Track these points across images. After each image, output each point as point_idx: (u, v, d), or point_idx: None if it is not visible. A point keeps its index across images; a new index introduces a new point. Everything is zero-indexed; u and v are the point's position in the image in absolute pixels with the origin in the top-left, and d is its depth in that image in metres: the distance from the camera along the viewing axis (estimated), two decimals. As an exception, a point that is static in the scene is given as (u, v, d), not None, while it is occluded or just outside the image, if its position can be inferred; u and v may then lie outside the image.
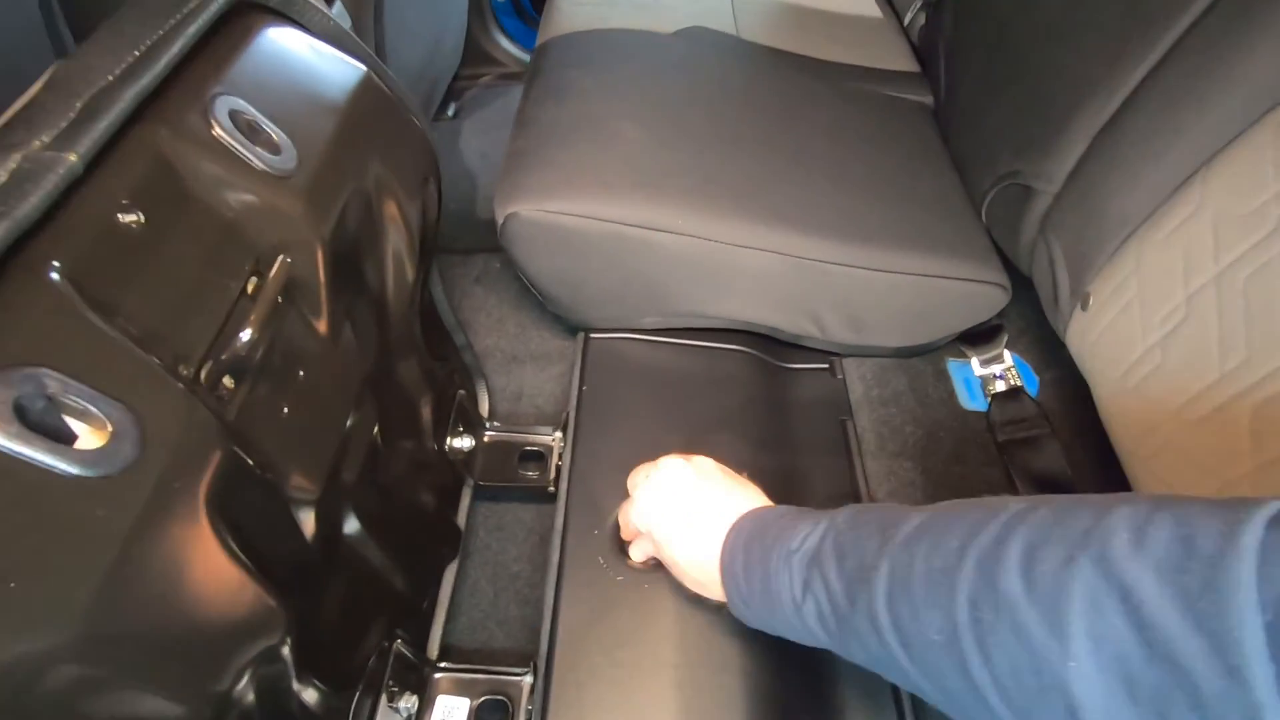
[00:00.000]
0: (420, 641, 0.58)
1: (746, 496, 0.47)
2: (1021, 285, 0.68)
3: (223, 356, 0.29)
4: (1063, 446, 0.66)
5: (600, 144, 0.68)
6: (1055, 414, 0.69)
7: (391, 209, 0.44)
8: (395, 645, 0.53)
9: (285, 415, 0.35)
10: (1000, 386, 0.73)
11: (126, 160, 0.25)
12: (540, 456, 0.73)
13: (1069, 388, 0.71)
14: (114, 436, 0.24)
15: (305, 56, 0.37)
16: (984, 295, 0.67)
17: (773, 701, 0.51)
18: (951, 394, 0.75)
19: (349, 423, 0.42)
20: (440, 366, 0.65)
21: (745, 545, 0.43)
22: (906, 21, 0.94)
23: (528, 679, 0.59)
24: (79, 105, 0.24)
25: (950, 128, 0.79)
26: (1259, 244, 0.42)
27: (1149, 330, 0.48)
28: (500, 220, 0.64)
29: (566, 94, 0.74)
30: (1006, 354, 0.76)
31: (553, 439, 0.73)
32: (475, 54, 1.37)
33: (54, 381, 0.22)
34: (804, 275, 0.66)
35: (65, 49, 0.45)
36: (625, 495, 0.55)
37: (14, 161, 0.22)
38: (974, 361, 0.77)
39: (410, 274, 0.48)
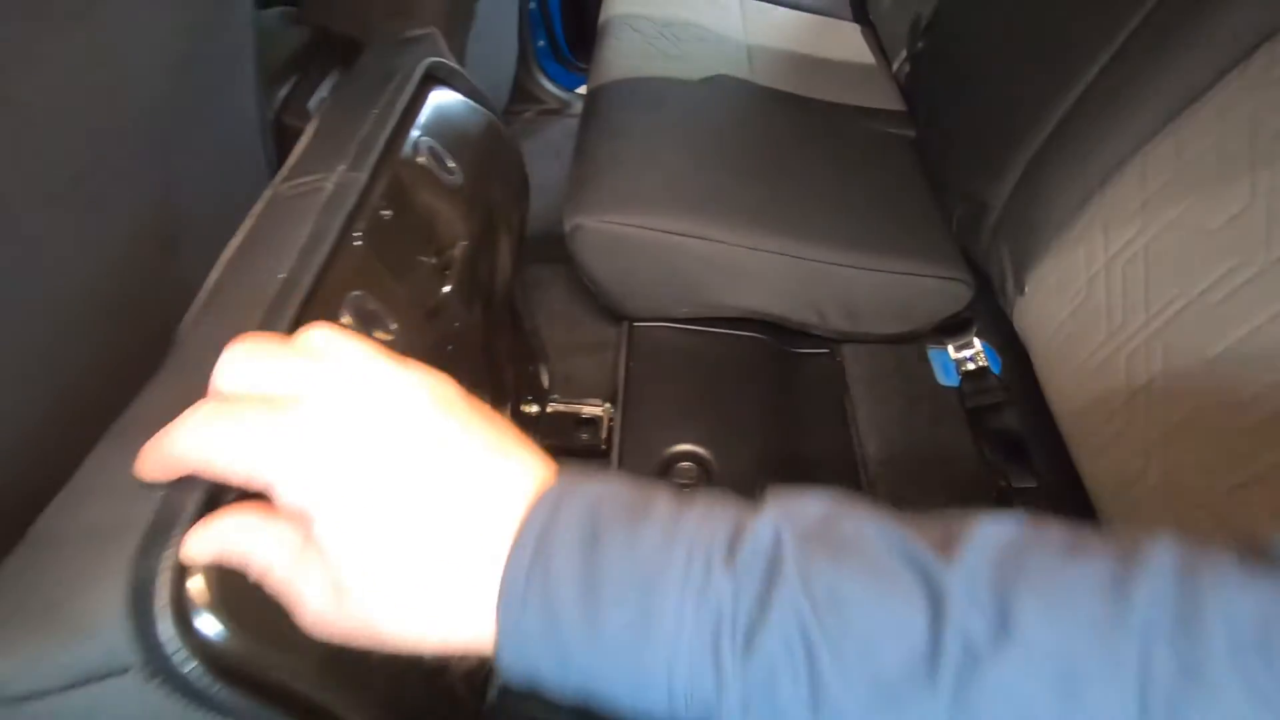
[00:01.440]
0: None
1: (521, 456, 0.26)
2: (989, 290, 0.84)
3: (428, 308, 0.46)
4: (1017, 410, 0.81)
5: (647, 169, 0.85)
6: (1013, 385, 0.85)
7: (504, 215, 0.61)
8: None
9: (443, 364, 0.51)
10: (970, 366, 0.89)
11: (382, 178, 0.42)
12: (593, 423, 0.89)
13: (1022, 364, 0.87)
14: (392, 342, 0.40)
15: (459, 108, 0.54)
16: (952, 290, 0.83)
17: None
18: (931, 374, 0.91)
19: (471, 381, 0.58)
20: (518, 343, 0.82)
21: (589, 532, 0.23)
22: (895, 69, 1.11)
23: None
24: (354, 147, 0.41)
25: (926, 157, 0.96)
26: (1131, 240, 0.58)
27: (1063, 307, 0.64)
28: (568, 229, 0.82)
29: (617, 130, 0.92)
30: (976, 341, 0.91)
31: (602, 409, 0.90)
32: (520, 92, 1.56)
33: (366, 302, 0.39)
34: (808, 274, 0.82)
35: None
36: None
37: (337, 175, 0.39)
38: (950, 348, 0.92)
39: (510, 265, 0.65)
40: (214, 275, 0.34)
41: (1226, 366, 0.49)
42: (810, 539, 0.23)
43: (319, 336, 0.26)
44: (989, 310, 0.96)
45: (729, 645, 0.21)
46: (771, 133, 0.97)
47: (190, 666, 0.22)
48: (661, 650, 0.22)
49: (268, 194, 0.38)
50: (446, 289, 0.46)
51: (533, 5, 1.51)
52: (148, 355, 0.30)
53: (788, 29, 1.23)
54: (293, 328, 0.30)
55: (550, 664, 0.23)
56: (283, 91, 0.80)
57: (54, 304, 0.44)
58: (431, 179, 0.47)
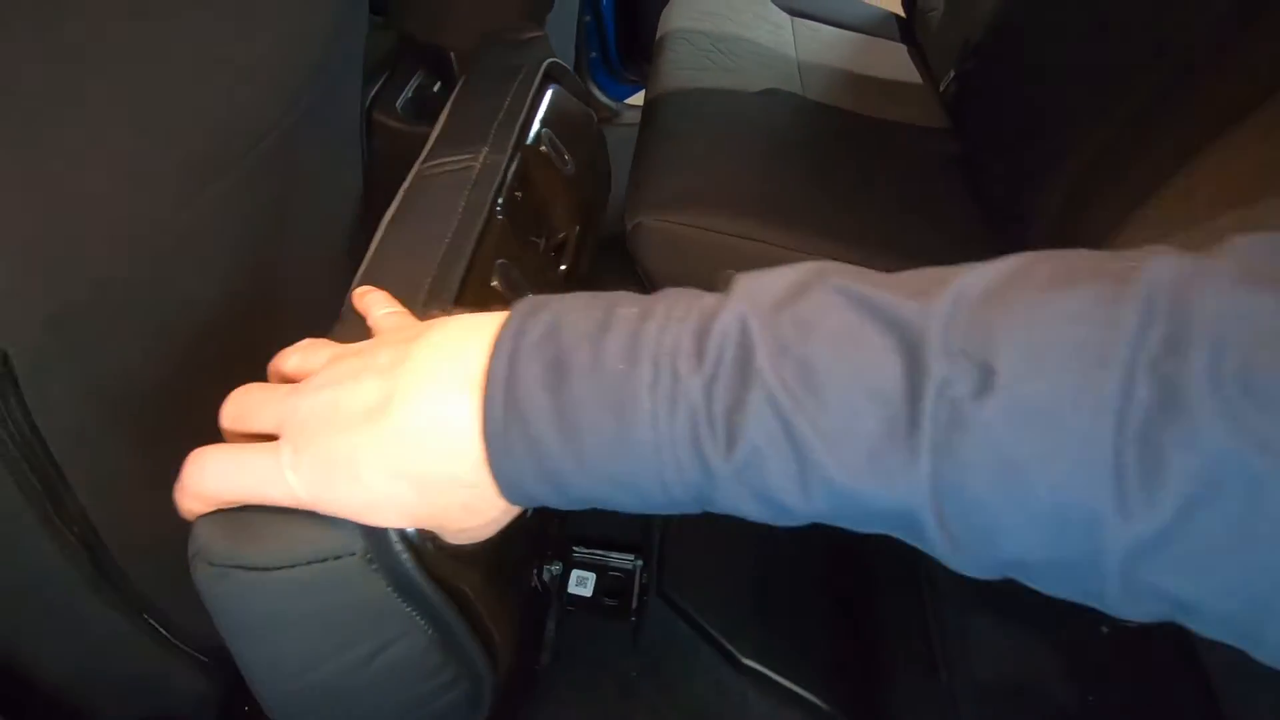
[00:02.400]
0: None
1: (477, 318, 0.27)
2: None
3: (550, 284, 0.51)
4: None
5: (704, 173, 0.90)
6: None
7: (598, 208, 0.66)
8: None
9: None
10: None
11: (515, 163, 0.47)
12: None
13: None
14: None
15: (571, 105, 0.60)
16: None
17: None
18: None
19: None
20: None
21: (554, 360, 0.23)
22: (942, 88, 1.16)
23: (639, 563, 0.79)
24: (493, 132, 0.46)
25: (972, 173, 1.00)
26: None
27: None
28: (629, 227, 0.87)
29: (674, 136, 0.97)
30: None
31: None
32: (571, 101, 1.62)
33: (510, 270, 0.43)
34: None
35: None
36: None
37: (482, 156, 0.44)
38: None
39: (590, 258, 0.71)
40: (374, 244, 0.40)
41: None
42: (778, 319, 0.22)
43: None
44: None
45: (711, 446, 0.22)
46: (823, 144, 1.01)
47: (404, 557, 0.27)
48: (648, 465, 0.23)
49: (414, 173, 0.43)
50: (563, 268, 0.51)
51: (588, 19, 1.58)
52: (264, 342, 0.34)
53: (838, 47, 1.28)
54: (460, 287, 0.35)
55: (549, 494, 0.24)
56: (372, 90, 0.86)
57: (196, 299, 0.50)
58: (552, 167, 0.52)
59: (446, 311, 0.29)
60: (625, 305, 0.25)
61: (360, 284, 0.37)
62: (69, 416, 0.39)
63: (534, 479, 0.24)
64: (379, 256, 0.38)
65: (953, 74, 1.10)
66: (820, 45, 1.27)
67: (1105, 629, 0.68)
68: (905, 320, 0.21)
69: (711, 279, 0.26)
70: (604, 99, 1.65)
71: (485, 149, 0.43)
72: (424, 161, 0.44)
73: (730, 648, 0.72)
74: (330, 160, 0.66)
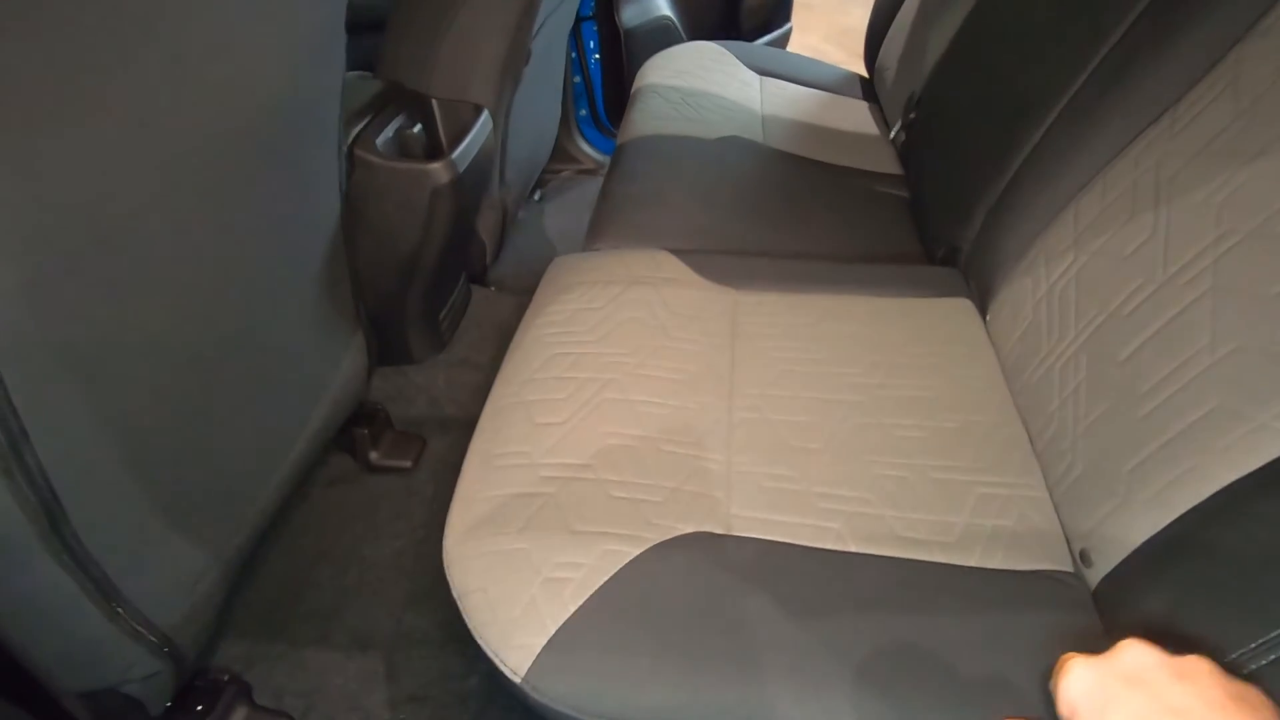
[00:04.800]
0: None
1: None
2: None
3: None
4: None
5: (658, 207, 0.98)
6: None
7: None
8: None
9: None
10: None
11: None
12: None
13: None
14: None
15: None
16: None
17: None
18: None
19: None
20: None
21: None
22: (891, 136, 1.24)
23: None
24: None
25: (915, 212, 1.07)
26: (1065, 269, 0.67)
27: (1015, 329, 0.73)
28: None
29: (635, 176, 1.05)
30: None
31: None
32: (560, 153, 1.73)
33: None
34: (798, 304, 0.92)
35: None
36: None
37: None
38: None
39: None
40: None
41: (1133, 366, 0.57)
42: None
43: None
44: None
45: None
46: (777, 185, 1.09)
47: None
48: None
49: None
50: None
51: (577, 80, 1.70)
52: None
53: (802, 103, 1.38)
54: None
55: None
56: (356, 129, 0.95)
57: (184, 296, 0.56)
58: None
59: None
60: None
61: None
62: (36, 374, 0.45)
63: None
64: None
65: (900, 124, 1.18)
66: (785, 101, 1.36)
67: None
68: None
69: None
70: (590, 152, 1.75)
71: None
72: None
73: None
74: (308, 181, 0.73)
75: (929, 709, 0.48)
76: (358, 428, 0.99)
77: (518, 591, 0.53)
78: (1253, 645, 0.42)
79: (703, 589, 0.53)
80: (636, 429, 0.65)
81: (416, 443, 1.04)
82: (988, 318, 0.79)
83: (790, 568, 0.55)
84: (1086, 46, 0.73)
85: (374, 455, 1.01)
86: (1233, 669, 0.40)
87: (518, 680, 0.50)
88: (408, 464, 1.02)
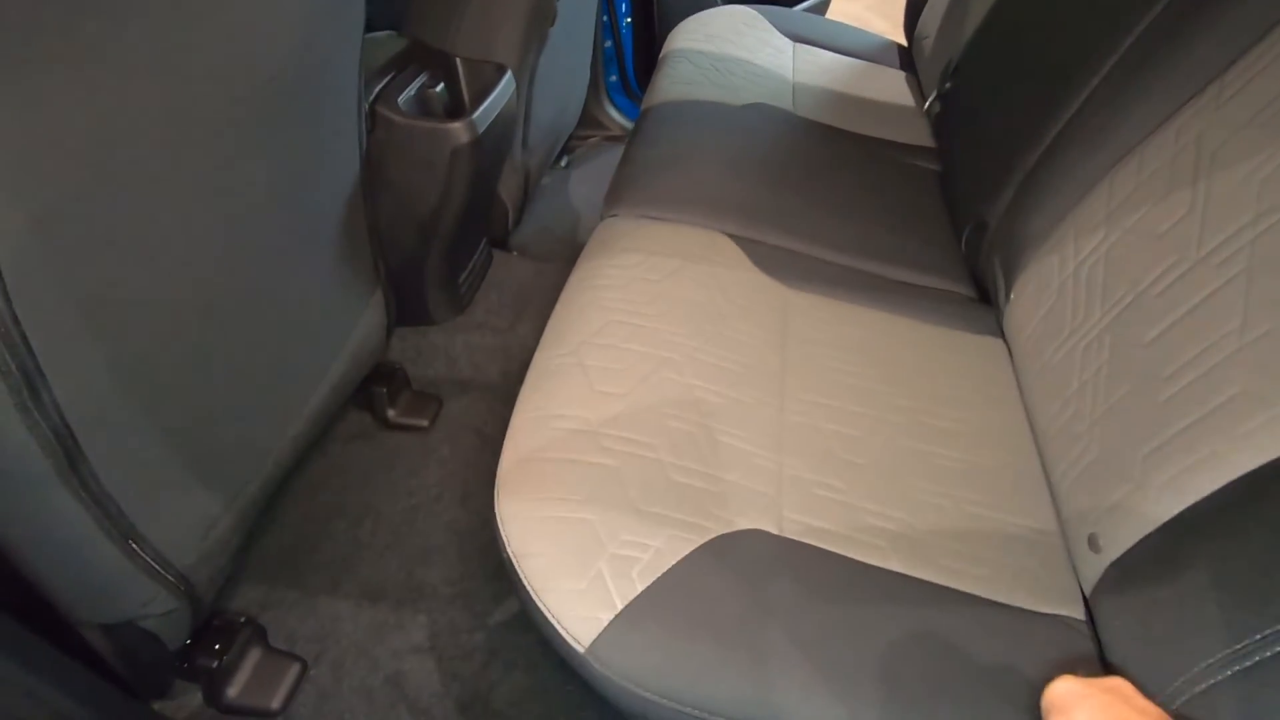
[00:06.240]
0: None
1: None
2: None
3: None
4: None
5: (680, 173, 0.96)
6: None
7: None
8: None
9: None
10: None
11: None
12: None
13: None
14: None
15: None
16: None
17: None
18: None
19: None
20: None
21: None
22: (925, 108, 1.20)
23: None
24: None
25: (945, 185, 1.03)
26: (1096, 246, 0.65)
27: (1039, 309, 0.70)
28: (603, 219, 0.92)
29: (659, 140, 1.03)
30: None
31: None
32: (588, 119, 1.71)
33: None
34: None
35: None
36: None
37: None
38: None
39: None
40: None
41: (1158, 349, 0.54)
42: None
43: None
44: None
45: None
46: (804, 154, 1.06)
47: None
48: None
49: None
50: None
51: (608, 44, 1.67)
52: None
53: (835, 71, 1.34)
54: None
55: None
56: (378, 86, 0.95)
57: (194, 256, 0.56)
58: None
59: None
60: None
61: None
62: (50, 312, 0.46)
63: None
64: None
65: (935, 95, 1.14)
66: (818, 69, 1.33)
67: None
68: None
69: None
70: (619, 118, 1.73)
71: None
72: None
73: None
74: (326, 136, 0.73)
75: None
76: (376, 386, 1.01)
77: (584, 563, 0.53)
78: (1258, 637, 0.41)
79: (764, 588, 0.54)
80: (695, 415, 0.64)
81: (433, 403, 1.05)
82: (1011, 296, 0.76)
83: (843, 581, 0.55)
84: (1130, 13, 0.69)
85: (391, 413, 1.02)
86: (1239, 658, 0.39)
87: (580, 649, 0.51)
88: (424, 423, 1.03)
